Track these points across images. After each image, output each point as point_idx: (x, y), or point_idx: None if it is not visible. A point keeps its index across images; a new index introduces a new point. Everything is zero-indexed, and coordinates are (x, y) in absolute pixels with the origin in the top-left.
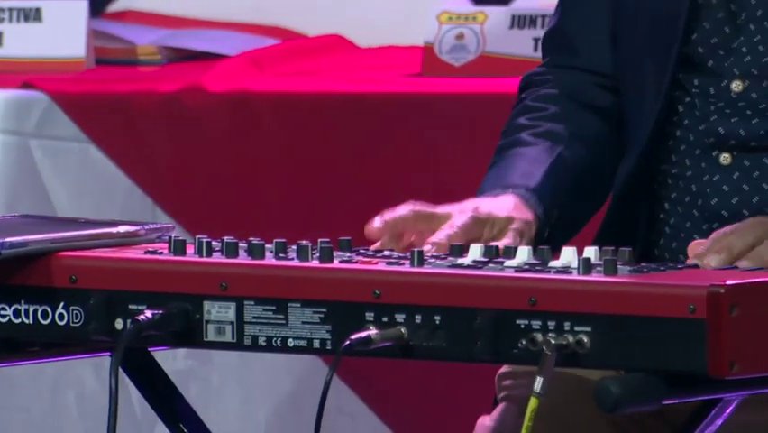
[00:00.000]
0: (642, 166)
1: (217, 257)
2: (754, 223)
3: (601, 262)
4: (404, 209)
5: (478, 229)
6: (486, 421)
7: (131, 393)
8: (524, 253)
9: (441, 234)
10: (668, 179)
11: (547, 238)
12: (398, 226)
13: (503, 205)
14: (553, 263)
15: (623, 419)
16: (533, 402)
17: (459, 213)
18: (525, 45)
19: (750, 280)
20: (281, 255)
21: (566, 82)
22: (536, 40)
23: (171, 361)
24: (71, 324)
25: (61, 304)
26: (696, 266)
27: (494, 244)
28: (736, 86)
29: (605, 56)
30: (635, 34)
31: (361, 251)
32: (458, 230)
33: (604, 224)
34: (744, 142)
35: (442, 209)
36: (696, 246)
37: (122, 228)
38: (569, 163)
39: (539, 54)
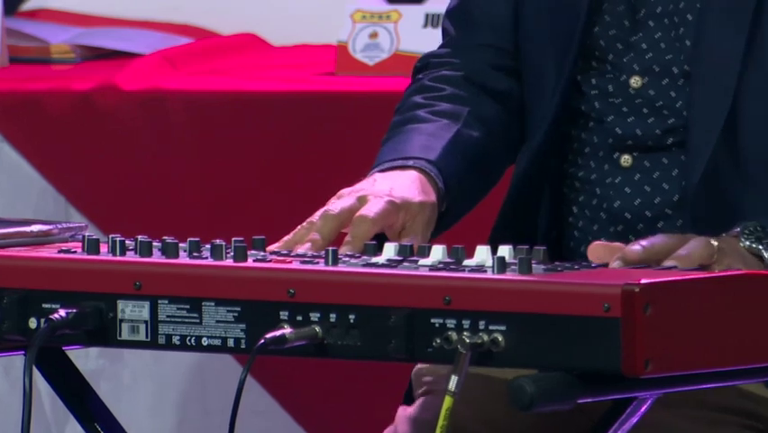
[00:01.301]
0: (541, 161)
1: (131, 256)
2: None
3: (516, 261)
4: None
5: (394, 215)
6: (407, 411)
7: (41, 392)
8: (438, 252)
9: (356, 228)
10: (575, 183)
11: (444, 212)
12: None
13: (412, 185)
14: (467, 262)
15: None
16: (447, 401)
17: (374, 198)
18: (439, 44)
19: (664, 279)
20: (195, 254)
21: (464, 65)
22: None
23: (84, 360)
24: None
25: None
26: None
27: (404, 242)
28: (635, 82)
29: (507, 32)
30: (538, 23)
31: (275, 251)
32: (377, 217)
33: (500, 218)
34: (641, 141)
35: (359, 193)
36: (597, 248)
37: (35, 227)
38: (467, 142)
39: None
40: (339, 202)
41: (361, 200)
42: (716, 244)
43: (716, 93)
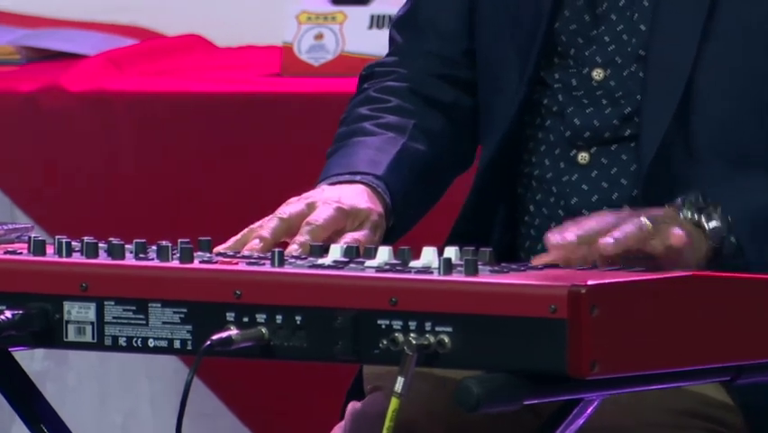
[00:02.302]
0: (499, 162)
1: (77, 257)
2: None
3: (462, 263)
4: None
5: (342, 221)
6: (357, 407)
7: None
8: (384, 254)
9: (304, 233)
10: (532, 182)
11: (389, 230)
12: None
13: (359, 195)
14: (413, 263)
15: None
16: (394, 403)
17: (323, 204)
18: (384, 45)
19: (611, 281)
20: (141, 256)
21: (410, 76)
22: None
23: (29, 361)
24: None
25: None
26: (557, 266)
27: (350, 241)
28: (597, 74)
29: (456, 40)
30: (498, 23)
31: (221, 252)
32: (324, 223)
33: (460, 219)
34: (598, 133)
35: (307, 200)
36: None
37: None
38: (412, 156)
39: None
40: (288, 207)
41: (310, 207)
42: (648, 223)
43: (670, 76)
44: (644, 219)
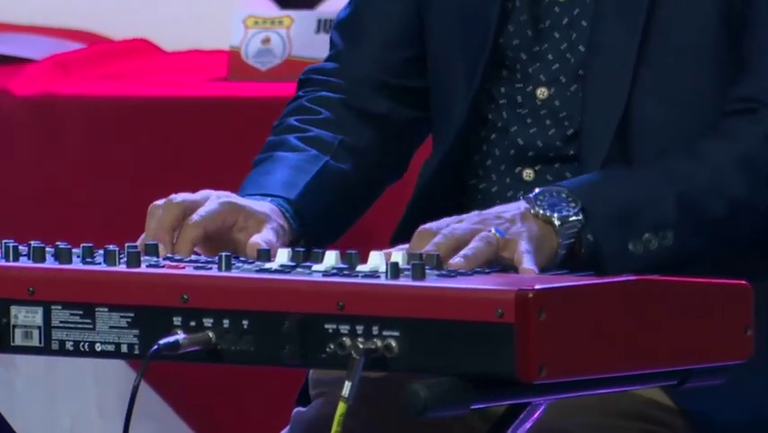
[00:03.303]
0: (445, 171)
1: (24, 262)
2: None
3: (409, 267)
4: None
5: (232, 215)
6: (302, 413)
7: None
8: (331, 258)
9: (187, 228)
10: (477, 194)
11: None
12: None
13: (262, 205)
14: (360, 268)
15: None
16: (341, 407)
17: (215, 197)
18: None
19: (558, 285)
20: (88, 260)
21: (345, 86)
22: None
23: None
24: None
25: None
26: (505, 270)
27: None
28: (542, 93)
29: (398, 47)
30: (448, 32)
31: (169, 255)
32: (200, 219)
33: (400, 227)
34: (542, 153)
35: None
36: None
37: None
38: (333, 176)
39: None
40: (184, 195)
41: (204, 198)
42: (497, 237)
43: (609, 96)
44: (492, 233)
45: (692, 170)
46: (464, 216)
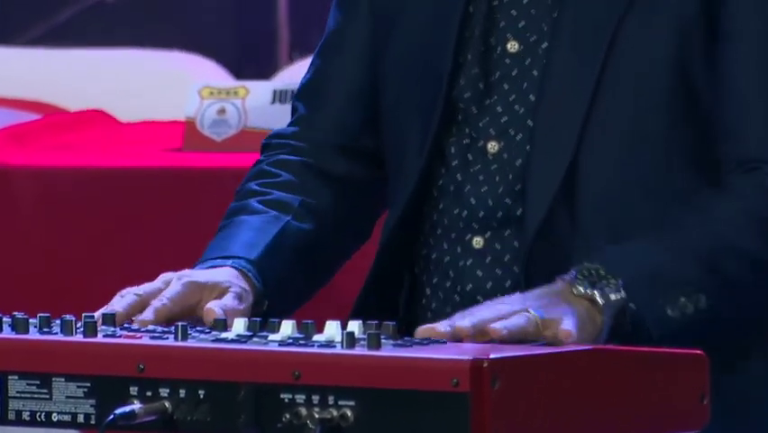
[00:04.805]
0: (398, 240)
1: None
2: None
3: (365, 336)
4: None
5: (196, 294)
6: None
7: None
8: (288, 327)
9: (149, 310)
10: (429, 264)
11: (267, 309)
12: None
13: (223, 274)
14: (317, 337)
15: None
16: None
17: (176, 280)
18: (286, 120)
19: (512, 354)
20: (45, 330)
21: (306, 149)
22: None
23: None
24: None
25: None
26: (460, 340)
27: (212, 306)
28: (492, 147)
29: (358, 110)
30: (404, 90)
31: (125, 325)
32: (168, 302)
33: (363, 293)
34: (492, 213)
35: (164, 278)
36: (425, 332)
37: None
38: (294, 236)
39: None
40: (146, 285)
41: (166, 284)
42: (537, 318)
43: (554, 150)
44: (532, 314)
45: (710, 231)
46: (505, 298)
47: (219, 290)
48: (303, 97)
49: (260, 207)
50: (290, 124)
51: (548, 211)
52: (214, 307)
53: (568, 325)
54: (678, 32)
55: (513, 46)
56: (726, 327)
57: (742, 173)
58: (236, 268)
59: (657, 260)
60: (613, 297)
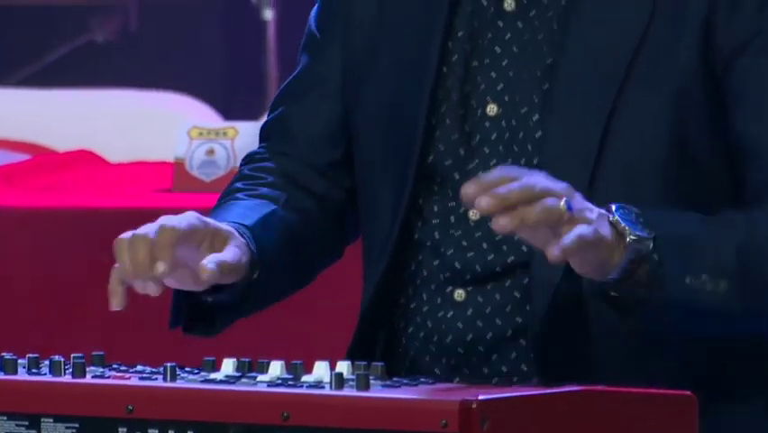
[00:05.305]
0: (383, 290)
1: None
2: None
3: (354, 377)
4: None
5: (201, 230)
6: None
7: None
8: (276, 368)
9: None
10: (406, 313)
11: (253, 285)
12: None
13: (225, 224)
14: (305, 378)
15: None
16: None
17: (181, 215)
18: None
19: (502, 396)
20: (34, 370)
21: (283, 164)
22: None
23: None
24: None
25: None
26: (449, 380)
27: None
28: (474, 213)
29: (323, 154)
30: (373, 146)
31: (114, 366)
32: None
33: (352, 344)
34: (479, 276)
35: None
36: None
37: None
38: (284, 221)
39: None
40: (144, 227)
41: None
42: (562, 209)
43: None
44: (561, 203)
45: (751, 229)
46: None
47: (221, 237)
48: (270, 131)
49: (248, 197)
50: (261, 148)
51: (558, 283)
52: (210, 264)
53: (583, 229)
54: (677, 107)
55: (492, 109)
56: (732, 325)
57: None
58: (233, 227)
59: (695, 230)
60: (641, 238)
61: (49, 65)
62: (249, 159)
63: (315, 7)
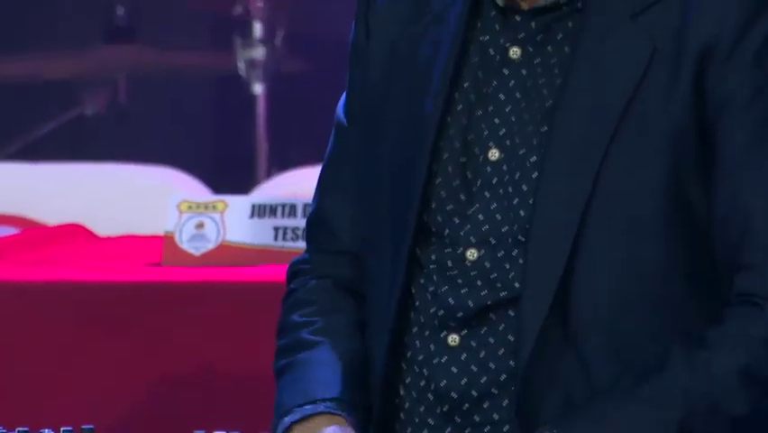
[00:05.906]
0: (394, 349)
1: None
2: None
3: None
4: None
5: None
6: None
7: None
8: None
9: None
10: (401, 364)
11: None
12: None
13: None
14: None
15: None
16: None
17: None
18: (265, 234)
19: None
20: None
21: (331, 271)
22: (276, 229)
23: None
24: None
25: None
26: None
27: None
28: (471, 254)
29: (357, 238)
30: (377, 207)
31: None
32: None
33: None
34: (471, 313)
35: None
36: None
37: None
38: (355, 357)
39: (280, 243)
40: None
41: None
42: None
43: (547, 265)
44: None
45: (693, 387)
46: None
47: None
48: (313, 228)
49: (312, 337)
50: (307, 252)
51: (543, 323)
52: None
53: None
54: (671, 152)
55: (494, 154)
56: None
57: (748, 306)
58: (330, 414)
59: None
60: None
61: (38, 139)
62: (296, 271)
63: (342, 98)
